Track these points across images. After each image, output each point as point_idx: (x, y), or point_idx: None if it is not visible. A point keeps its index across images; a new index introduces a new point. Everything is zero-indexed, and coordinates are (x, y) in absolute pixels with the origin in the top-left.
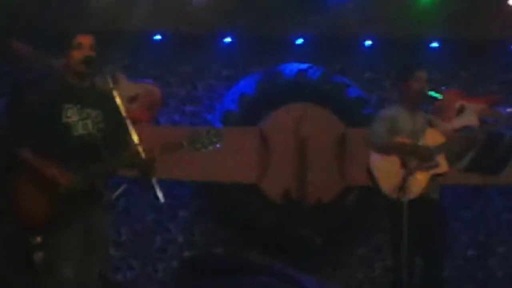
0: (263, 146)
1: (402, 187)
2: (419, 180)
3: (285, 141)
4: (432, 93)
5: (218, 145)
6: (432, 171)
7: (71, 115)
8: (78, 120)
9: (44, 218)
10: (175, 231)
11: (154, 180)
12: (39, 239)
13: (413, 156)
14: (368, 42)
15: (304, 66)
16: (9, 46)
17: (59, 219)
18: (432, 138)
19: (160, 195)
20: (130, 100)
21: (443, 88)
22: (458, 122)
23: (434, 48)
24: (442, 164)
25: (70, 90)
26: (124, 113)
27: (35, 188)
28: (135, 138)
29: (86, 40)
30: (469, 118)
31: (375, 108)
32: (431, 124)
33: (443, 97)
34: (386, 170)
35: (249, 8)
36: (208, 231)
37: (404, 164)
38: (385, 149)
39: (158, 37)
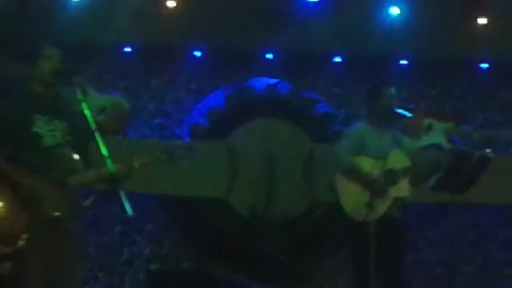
0: (231, 160)
1: (368, 207)
2: (382, 202)
3: (253, 155)
4: (401, 111)
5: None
6: (394, 195)
7: (40, 125)
8: (47, 131)
9: (15, 229)
10: (142, 243)
11: (122, 193)
12: (8, 249)
13: (374, 186)
14: (337, 59)
15: (273, 81)
16: None
17: (29, 230)
18: (397, 160)
19: (128, 208)
20: (98, 112)
21: (411, 106)
22: (426, 140)
23: (403, 65)
24: (404, 188)
25: (37, 100)
26: (93, 125)
27: (6, 198)
28: (104, 150)
29: (55, 53)
30: (437, 137)
31: (343, 124)
32: (398, 144)
33: (412, 114)
34: (349, 189)
35: (219, 22)
36: (175, 244)
37: (366, 187)
38: (346, 174)
39: (128, 49)
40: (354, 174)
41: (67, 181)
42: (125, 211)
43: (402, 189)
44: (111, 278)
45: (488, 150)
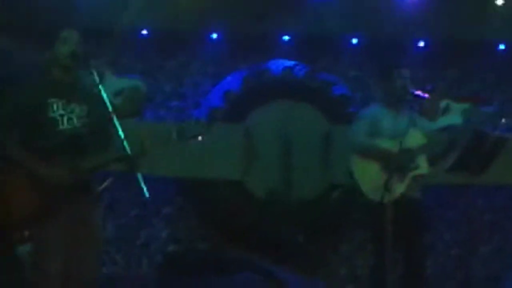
0: (248, 143)
1: (385, 187)
2: (400, 182)
3: (270, 138)
4: (418, 92)
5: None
6: (412, 173)
7: (56, 109)
8: (63, 114)
9: (31, 212)
10: (159, 226)
11: (138, 176)
12: (26, 233)
13: (394, 159)
14: (354, 40)
15: (290, 63)
16: None
17: (46, 213)
18: (414, 139)
19: (145, 190)
20: (115, 95)
21: (428, 87)
22: (444, 121)
23: (420, 47)
24: (423, 166)
25: (55, 85)
26: (109, 108)
27: (22, 183)
28: (121, 133)
29: (72, 35)
30: (455, 118)
31: (360, 106)
32: (414, 123)
33: (429, 96)
34: (366, 171)
35: (236, 5)
36: (192, 227)
37: (384, 166)
38: (364, 153)
39: (144, 32)
40: (371, 152)
41: (82, 164)
42: (142, 194)
43: (420, 166)
44: (128, 260)
45: (503, 121)
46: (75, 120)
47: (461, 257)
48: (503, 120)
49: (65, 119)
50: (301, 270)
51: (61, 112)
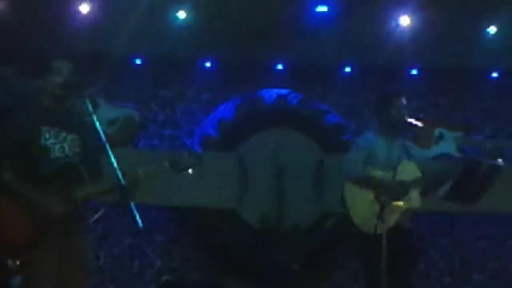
0: (241, 171)
1: (378, 218)
2: (392, 213)
3: (263, 166)
4: (411, 121)
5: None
6: (405, 206)
7: (48, 137)
8: (55, 143)
9: (24, 241)
10: (153, 255)
11: (132, 205)
12: (17, 262)
13: (387, 190)
14: (347, 69)
15: (283, 91)
16: None
17: (39, 242)
18: (408, 170)
19: (138, 219)
20: (109, 123)
21: (421, 115)
22: (437, 150)
23: (413, 75)
24: (415, 199)
25: (47, 113)
26: (103, 137)
27: (15, 211)
28: (114, 162)
29: (64, 65)
30: (448, 146)
31: (353, 134)
32: (408, 154)
33: (422, 124)
34: (359, 200)
35: (230, 33)
36: (186, 255)
37: (377, 197)
38: (359, 182)
39: (138, 61)
40: (365, 182)
41: (74, 193)
42: (135, 223)
43: (413, 200)
44: None
45: (499, 160)
46: (66, 149)
47: (455, 285)
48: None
49: (56, 147)
50: None
51: (53, 140)
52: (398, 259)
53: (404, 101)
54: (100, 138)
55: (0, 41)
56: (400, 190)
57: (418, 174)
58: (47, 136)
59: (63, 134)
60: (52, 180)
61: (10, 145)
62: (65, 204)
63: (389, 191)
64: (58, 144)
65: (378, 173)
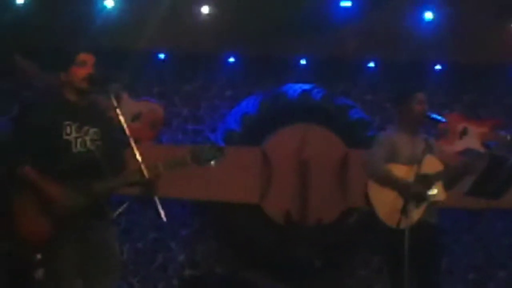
0: (265, 166)
1: (402, 213)
2: (416, 207)
3: (287, 161)
4: (436, 116)
5: (220, 160)
6: (429, 200)
7: (70, 132)
8: (77, 137)
9: (45, 236)
10: (176, 249)
11: (156, 199)
12: (39, 256)
13: (411, 188)
14: (371, 64)
15: (307, 86)
16: (14, 63)
17: (60, 237)
18: (431, 165)
19: (162, 213)
20: (133, 118)
21: (446, 111)
22: (461, 145)
23: (437, 70)
24: (440, 192)
25: (69, 107)
26: (127, 132)
27: (36, 205)
28: (138, 156)
29: (89, 58)
30: (472, 141)
31: (377, 130)
32: (431, 149)
33: (446, 120)
34: (382, 196)
35: (253, 28)
36: (209, 250)
37: (401, 193)
38: (380, 181)
39: (161, 56)
40: (388, 180)
41: (96, 188)
42: (159, 217)
43: (437, 193)
44: (145, 284)
45: None
46: (88, 143)
47: (478, 282)
48: None
49: (78, 142)
50: None
51: (75, 134)
52: (423, 256)
53: (424, 95)
54: (124, 133)
55: (25, 35)
56: (424, 185)
57: (441, 167)
58: (68, 130)
59: (85, 128)
60: (74, 174)
61: (31, 139)
62: (85, 198)
63: (412, 187)
64: (80, 138)
65: (401, 169)
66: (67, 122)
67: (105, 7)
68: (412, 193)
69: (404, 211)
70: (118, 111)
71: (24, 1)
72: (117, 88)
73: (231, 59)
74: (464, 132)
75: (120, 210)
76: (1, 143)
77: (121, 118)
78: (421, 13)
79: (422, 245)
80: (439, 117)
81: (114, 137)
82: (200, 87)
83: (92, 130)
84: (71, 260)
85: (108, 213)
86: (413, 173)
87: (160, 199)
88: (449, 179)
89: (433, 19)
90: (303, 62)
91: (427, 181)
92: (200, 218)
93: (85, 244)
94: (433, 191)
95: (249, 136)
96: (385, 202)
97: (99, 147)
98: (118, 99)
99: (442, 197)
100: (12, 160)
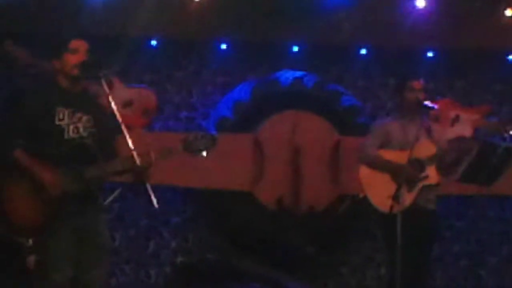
0: (257, 153)
1: (394, 198)
2: (409, 191)
3: (279, 148)
4: (428, 103)
5: (211, 150)
6: (422, 183)
7: (63, 118)
8: (69, 123)
9: (37, 221)
10: (168, 236)
11: (148, 186)
12: (30, 242)
13: (401, 173)
14: (363, 51)
15: (299, 74)
16: (6, 49)
17: (51, 222)
18: (424, 149)
19: (154, 200)
20: (125, 105)
21: (437, 97)
22: (453, 132)
23: (430, 57)
24: (433, 175)
25: (62, 94)
26: (118, 118)
27: (28, 190)
28: (130, 143)
29: (81, 45)
30: (464, 128)
31: (369, 116)
32: (429, 132)
33: (438, 106)
34: (375, 182)
35: (245, 15)
36: (201, 237)
37: (393, 177)
38: (372, 166)
39: (154, 42)
40: (380, 164)
41: (88, 174)
42: (151, 204)
43: (429, 176)
44: (137, 271)
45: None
46: (81, 130)
47: (470, 268)
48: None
49: (71, 128)
50: (311, 281)
51: (67, 121)
52: (417, 240)
53: (420, 83)
54: (115, 119)
55: (17, 22)
56: (416, 168)
57: (433, 151)
58: (61, 116)
59: (78, 114)
60: (66, 160)
61: (24, 124)
62: (77, 184)
63: (404, 170)
64: (73, 124)
65: (393, 154)
66: (60, 108)
67: None
68: (405, 173)
69: (396, 196)
70: (110, 97)
71: None
72: (109, 74)
73: (223, 46)
74: (456, 119)
75: (112, 197)
76: None
77: (113, 105)
78: None
79: (417, 230)
80: (430, 104)
81: (106, 124)
82: (192, 74)
83: (85, 117)
84: (62, 247)
85: (99, 199)
86: (406, 158)
87: (152, 186)
88: (444, 164)
89: (425, 5)
90: (295, 48)
91: (419, 164)
92: (192, 205)
93: (76, 231)
94: (425, 174)
95: (241, 123)
96: (377, 188)
97: (91, 134)
98: (110, 85)
99: (435, 180)
100: (4, 145)
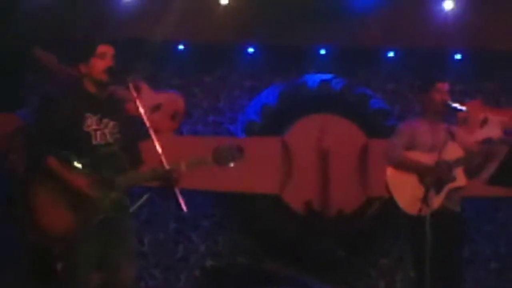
0: (286, 156)
1: (424, 201)
2: (437, 194)
3: (308, 151)
4: (456, 105)
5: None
6: (450, 186)
7: (91, 124)
8: (96, 129)
9: (68, 228)
10: (197, 240)
11: (176, 190)
12: (59, 248)
13: (431, 172)
14: (391, 53)
15: (327, 77)
16: (35, 55)
17: (81, 230)
18: (451, 151)
19: (183, 204)
20: (153, 109)
21: (466, 100)
22: (482, 134)
23: (458, 59)
24: (460, 178)
25: (90, 99)
26: (146, 123)
27: (59, 198)
28: (158, 147)
29: (108, 50)
30: (493, 130)
31: (397, 119)
32: (452, 137)
33: (467, 108)
34: (402, 184)
35: (272, 18)
36: (230, 241)
37: (421, 179)
38: (401, 166)
39: (181, 47)
40: (408, 165)
41: (117, 181)
42: (180, 208)
43: (457, 179)
44: (167, 275)
45: None
46: (108, 136)
47: (500, 271)
48: None
49: (98, 134)
50: (340, 284)
51: (95, 127)
52: (445, 243)
53: (446, 85)
54: (143, 124)
55: (45, 28)
56: (444, 170)
57: (461, 153)
58: (89, 122)
59: (105, 120)
60: (94, 167)
61: (54, 131)
62: (109, 191)
63: (432, 172)
64: (100, 131)
65: (422, 156)
66: (88, 114)
67: None
68: (437, 173)
69: (425, 198)
70: (137, 102)
71: None
72: (137, 79)
73: (251, 50)
74: (485, 121)
75: (141, 201)
76: (25, 135)
77: (141, 109)
78: (441, 1)
79: (445, 233)
80: (459, 107)
81: (132, 130)
82: (219, 78)
83: (111, 123)
84: (90, 253)
85: (127, 206)
86: (433, 160)
87: (180, 190)
88: (470, 166)
89: (453, 8)
90: (322, 52)
91: (447, 167)
92: (221, 209)
93: (105, 237)
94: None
95: (269, 126)
96: (405, 191)
97: (118, 140)
98: (138, 90)
99: (463, 183)
100: (35, 152)
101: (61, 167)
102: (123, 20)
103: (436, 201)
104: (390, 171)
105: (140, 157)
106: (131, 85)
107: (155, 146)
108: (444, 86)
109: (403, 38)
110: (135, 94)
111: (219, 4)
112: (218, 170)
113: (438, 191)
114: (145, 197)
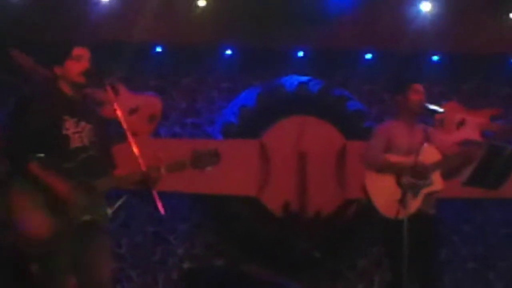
0: (263, 158)
1: (400, 203)
2: (414, 197)
3: (285, 153)
4: (433, 107)
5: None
6: (427, 189)
7: (69, 127)
8: (75, 132)
9: (46, 232)
10: (175, 243)
11: (154, 192)
12: (35, 252)
13: (408, 173)
14: (368, 55)
15: (304, 79)
16: (10, 56)
17: (59, 232)
18: (429, 155)
19: (160, 207)
20: (130, 112)
21: (443, 101)
22: (459, 136)
23: (435, 61)
24: (437, 182)
25: (67, 102)
26: (124, 125)
27: (38, 202)
28: (135, 150)
29: (84, 52)
30: (470, 132)
31: (375, 121)
32: (429, 139)
33: (444, 109)
34: (380, 187)
35: (250, 20)
36: (208, 243)
37: (398, 183)
38: (380, 169)
39: (159, 49)
40: (387, 167)
41: (96, 184)
42: (157, 211)
43: (434, 182)
44: (144, 277)
45: None
46: (85, 139)
47: (478, 272)
48: None
49: (76, 137)
50: (318, 286)
51: (73, 130)
52: (421, 246)
53: (421, 86)
54: (120, 127)
55: (21, 29)
56: (421, 174)
57: (438, 157)
58: (67, 125)
59: (82, 123)
60: (73, 171)
61: (32, 133)
62: (88, 196)
63: (410, 176)
64: (77, 134)
65: (398, 158)
66: (66, 117)
67: (100, 0)
68: (410, 178)
69: (402, 201)
70: (115, 104)
71: None
72: (114, 81)
73: (228, 52)
74: (462, 123)
75: (118, 203)
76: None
77: (118, 112)
78: (418, 3)
79: (421, 235)
80: (436, 108)
81: (105, 133)
82: (197, 80)
83: (88, 127)
84: (67, 256)
85: (105, 209)
86: (411, 162)
87: (158, 192)
88: (448, 169)
89: (430, 10)
90: (300, 54)
91: (424, 170)
92: (199, 211)
93: (82, 240)
94: (430, 180)
95: (247, 128)
96: (382, 193)
97: (94, 144)
98: (115, 92)
99: (439, 187)
100: (15, 156)
101: (41, 170)
102: (101, 21)
103: (414, 204)
104: (368, 174)
105: (113, 161)
106: (108, 87)
107: (132, 149)
108: (420, 87)
109: (380, 40)
110: (113, 96)
111: (196, 6)
112: (196, 173)
113: (415, 195)
114: (122, 199)
